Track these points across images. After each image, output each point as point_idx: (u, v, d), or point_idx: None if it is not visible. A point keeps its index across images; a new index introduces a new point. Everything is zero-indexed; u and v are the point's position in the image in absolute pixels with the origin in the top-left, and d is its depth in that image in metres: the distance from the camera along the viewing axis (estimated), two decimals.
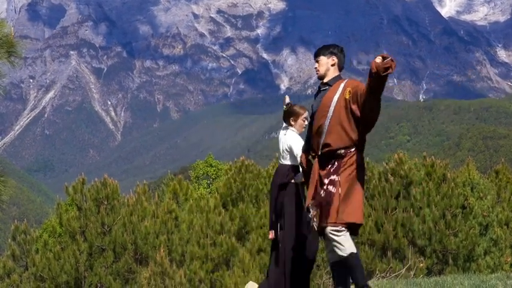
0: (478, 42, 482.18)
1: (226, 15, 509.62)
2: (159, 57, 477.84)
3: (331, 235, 7.15)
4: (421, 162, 19.33)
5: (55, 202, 20.04)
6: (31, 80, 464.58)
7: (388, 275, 15.83)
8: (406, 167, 18.40)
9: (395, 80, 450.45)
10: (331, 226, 7.13)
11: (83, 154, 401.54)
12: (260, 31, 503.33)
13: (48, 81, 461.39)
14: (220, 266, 16.94)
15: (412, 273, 16.11)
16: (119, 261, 17.53)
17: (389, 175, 18.16)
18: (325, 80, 7.53)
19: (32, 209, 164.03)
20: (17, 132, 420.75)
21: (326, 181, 7.23)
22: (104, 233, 17.83)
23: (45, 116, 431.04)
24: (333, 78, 7.51)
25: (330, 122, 7.28)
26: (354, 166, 7.25)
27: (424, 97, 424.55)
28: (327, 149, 7.30)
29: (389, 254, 17.14)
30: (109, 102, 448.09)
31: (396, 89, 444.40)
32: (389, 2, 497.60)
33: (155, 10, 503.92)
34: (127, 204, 18.40)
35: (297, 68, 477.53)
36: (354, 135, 7.26)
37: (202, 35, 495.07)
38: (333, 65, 7.53)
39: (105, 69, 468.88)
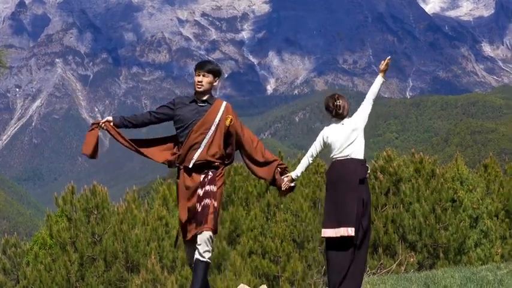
0: (463, 38, 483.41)
1: (210, 18, 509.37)
2: (144, 62, 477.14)
3: (208, 239, 7.62)
4: (410, 159, 19.34)
5: (45, 214, 19.97)
6: (17, 89, 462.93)
7: (379, 271, 15.86)
8: (395, 164, 18.43)
9: None
10: (210, 231, 7.57)
11: (72, 162, 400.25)
12: (245, 33, 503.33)
13: (34, 89, 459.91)
14: (211, 270, 16.91)
15: (402, 268, 16.15)
16: (110, 270, 17.48)
17: (379, 173, 18.18)
18: (204, 98, 7.77)
19: (22, 222, 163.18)
20: (5, 142, 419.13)
21: (200, 192, 7.56)
22: (94, 242, 17.78)
23: (33, 124, 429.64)
24: (212, 97, 7.81)
25: (208, 140, 7.63)
26: (223, 177, 7.82)
27: (410, 94, 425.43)
28: (201, 162, 7.62)
29: (380, 250, 17.16)
30: (96, 109, 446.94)
31: (383, 86, 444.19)
32: None
33: (139, 16, 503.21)
34: (117, 212, 18.35)
35: (283, 69, 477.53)
36: (228, 150, 7.81)
37: (187, 39, 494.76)
38: (213, 86, 7.83)
39: (91, 76, 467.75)
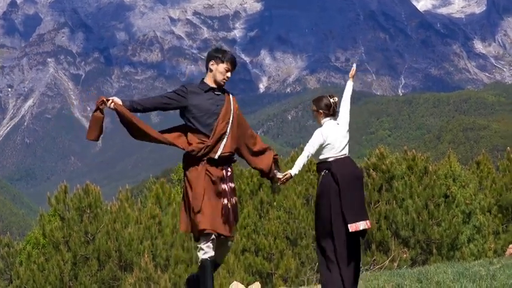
0: (454, 35, 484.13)
1: (202, 17, 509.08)
2: (137, 61, 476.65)
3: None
4: (402, 156, 19.37)
5: (38, 213, 19.92)
6: (9, 89, 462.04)
7: (372, 267, 15.88)
8: (387, 162, 18.45)
9: (373, 75, 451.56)
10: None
11: (64, 161, 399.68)
12: (237, 32, 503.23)
13: (26, 89, 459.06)
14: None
15: (395, 264, 16.17)
16: (103, 269, 17.44)
17: (371, 170, 18.21)
18: (222, 87, 7.70)
19: (14, 222, 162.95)
20: None
21: (226, 187, 7.46)
22: (87, 241, 17.74)
23: (25, 124, 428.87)
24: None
25: (230, 130, 7.49)
26: None
27: (403, 91, 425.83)
28: (226, 154, 7.50)
29: (374, 246, 17.18)
30: (88, 108, 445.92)
31: (375, 84, 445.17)
32: None
33: (131, 15, 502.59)
34: (110, 211, 18.31)
35: (275, 67, 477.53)
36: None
37: (179, 38, 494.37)
38: None
39: (83, 75, 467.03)
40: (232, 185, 7.51)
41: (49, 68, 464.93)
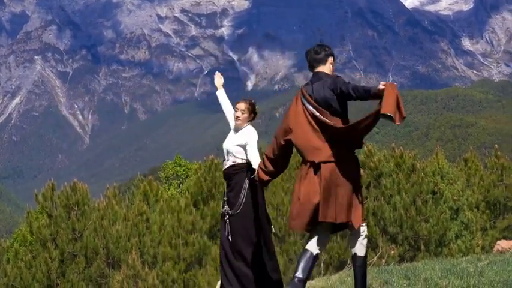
0: (442, 32, 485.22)
1: (190, 14, 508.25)
2: (124, 58, 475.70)
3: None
4: (390, 154, 19.38)
5: (25, 211, 19.84)
6: None
7: None
8: (375, 159, 18.45)
9: (361, 72, 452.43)
10: None
11: (52, 159, 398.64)
12: (225, 29, 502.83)
13: (13, 87, 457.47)
14: (192, 265, 16.88)
15: (383, 261, 16.16)
16: (91, 266, 17.41)
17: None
18: None
19: (1, 219, 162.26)
20: None
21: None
22: (75, 239, 17.69)
23: (12, 122, 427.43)
24: None
25: None
26: None
27: None
28: None
29: None
30: (76, 106, 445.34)
31: (363, 81, 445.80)
32: None
33: (118, 12, 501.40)
34: (97, 208, 18.27)
35: (263, 65, 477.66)
36: None
37: (167, 35, 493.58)
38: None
39: (71, 72, 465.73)
40: None
41: (36, 65, 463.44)
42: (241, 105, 8.56)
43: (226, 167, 8.40)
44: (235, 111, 8.52)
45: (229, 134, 8.59)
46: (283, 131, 7.38)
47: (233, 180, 8.33)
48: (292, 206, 7.23)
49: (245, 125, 8.55)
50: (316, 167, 7.08)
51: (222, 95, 9.02)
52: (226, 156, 8.43)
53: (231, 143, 8.43)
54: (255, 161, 8.09)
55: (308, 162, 7.15)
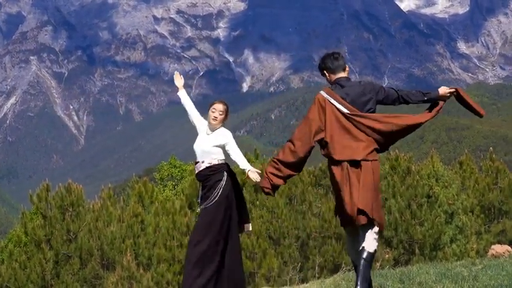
0: (438, 35, 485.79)
1: (186, 16, 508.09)
2: (120, 60, 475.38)
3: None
4: (385, 156, 19.38)
5: (20, 212, 19.82)
6: None
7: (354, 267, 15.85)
8: None
9: (357, 75, 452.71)
10: None
11: (47, 160, 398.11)
12: (221, 31, 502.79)
13: (8, 87, 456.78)
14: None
15: (378, 264, 16.16)
16: (85, 267, 17.38)
17: None
18: None
19: None
20: None
21: None
22: (69, 240, 17.67)
23: (7, 122, 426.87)
24: None
25: None
26: None
27: None
28: None
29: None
30: (71, 107, 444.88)
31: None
32: None
33: (114, 13, 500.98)
34: (92, 209, 18.25)
35: (258, 67, 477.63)
36: None
37: (162, 36, 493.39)
38: None
39: (66, 73, 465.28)
40: None
41: (32, 66, 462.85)
42: (220, 107, 8.68)
43: (201, 168, 8.46)
44: (213, 112, 8.61)
45: (201, 135, 8.68)
46: (314, 132, 7.54)
47: (209, 182, 8.40)
48: (346, 207, 7.56)
49: (219, 126, 8.63)
50: (357, 165, 7.56)
51: (184, 96, 9.04)
52: (200, 158, 8.50)
53: (207, 144, 8.50)
54: (243, 161, 8.36)
55: (345, 161, 7.53)
